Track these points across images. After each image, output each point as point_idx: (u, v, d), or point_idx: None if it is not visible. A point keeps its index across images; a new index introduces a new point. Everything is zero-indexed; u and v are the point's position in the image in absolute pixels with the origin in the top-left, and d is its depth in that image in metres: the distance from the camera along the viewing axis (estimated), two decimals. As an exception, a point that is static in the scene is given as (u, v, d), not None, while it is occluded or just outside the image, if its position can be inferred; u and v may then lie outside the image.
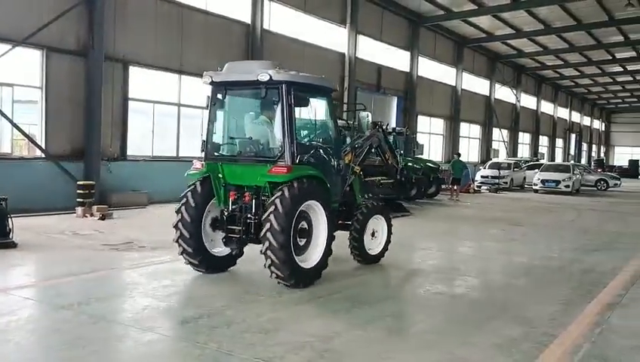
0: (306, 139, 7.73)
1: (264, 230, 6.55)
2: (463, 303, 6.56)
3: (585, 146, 59.63)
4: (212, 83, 7.50)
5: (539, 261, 9.44)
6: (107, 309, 5.86)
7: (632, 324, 5.82)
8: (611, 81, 46.49)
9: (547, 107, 48.02)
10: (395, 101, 27.53)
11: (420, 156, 22.14)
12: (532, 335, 5.36)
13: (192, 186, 7.39)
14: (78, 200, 12.81)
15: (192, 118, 17.91)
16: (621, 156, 64.28)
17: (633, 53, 36.03)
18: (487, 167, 29.53)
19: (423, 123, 30.24)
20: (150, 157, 16.31)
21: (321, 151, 7.53)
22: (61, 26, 13.62)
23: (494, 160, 32.24)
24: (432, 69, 30.32)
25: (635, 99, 57.90)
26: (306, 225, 7.03)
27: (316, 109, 7.77)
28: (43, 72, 13.54)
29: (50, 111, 13.71)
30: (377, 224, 8.46)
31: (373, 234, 8.38)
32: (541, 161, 36.28)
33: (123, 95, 15.29)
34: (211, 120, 7.59)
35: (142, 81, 15.81)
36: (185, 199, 7.35)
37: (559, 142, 52.13)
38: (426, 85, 29.51)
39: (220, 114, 7.65)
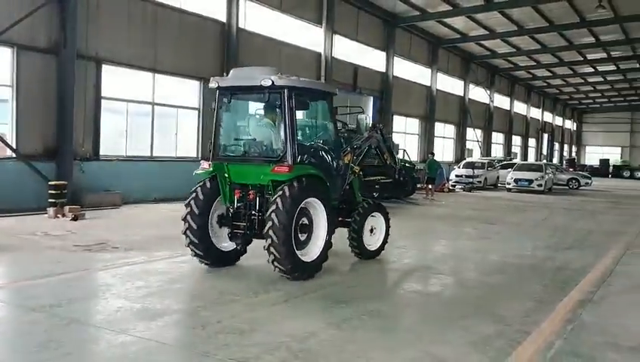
0: (306, 141, 8.26)
1: (267, 227, 6.92)
2: (438, 301, 6.62)
3: (557, 146, 60.69)
4: (218, 88, 7.84)
5: (512, 259, 9.57)
6: (80, 311, 5.77)
7: (602, 321, 5.93)
8: (582, 81, 47.36)
9: (520, 107, 48.71)
10: (371, 101, 27.61)
11: (396, 155, 22.21)
12: (506, 333, 5.43)
13: (201, 183, 7.82)
14: (49, 200, 12.59)
15: (166, 117, 17.75)
16: (592, 155, 65.52)
17: (604, 55, 36.76)
18: (461, 167, 29.83)
19: (399, 123, 30.43)
20: (124, 157, 16.10)
21: (321, 151, 8.11)
22: (32, 23, 13.37)
23: (468, 159, 32.58)
24: (407, 69, 30.51)
25: (606, 100, 59.13)
26: (306, 221, 7.41)
27: (317, 112, 8.59)
28: (13, 70, 13.28)
29: (21, 110, 13.44)
30: (375, 221, 8.86)
31: (371, 231, 8.79)
32: (514, 161, 36.77)
33: (96, 94, 15.07)
34: (218, 123, 7.95)
35: (115, 80, 15.60)
36: (194, 194, 7.77)
37: (532, 141, 52.92)
38: (401, 85, 29.69)
39: (225, 117, 8.05)
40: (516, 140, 48.92)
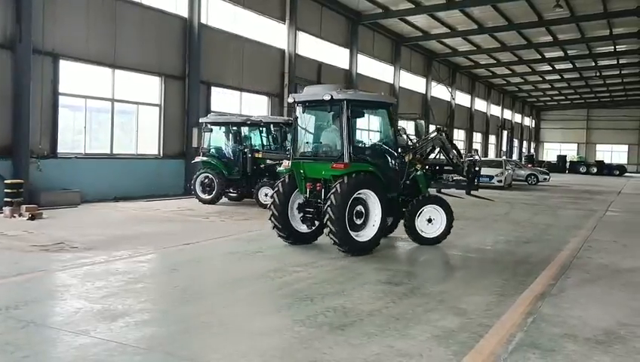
0: (364, 143, 10.27)
1: (325, 206, 8.76)
2: (402, 296, 6.66)
3: (516, 142, 61.98)
4: (295, 102, 9.75)
5: (474, 253, 9.73)
6: (37, 313, 5.61)
7: (562, 313, 6.07)
8: (541, 79, 48.51)
9: (480, 105, 49.58)
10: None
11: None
12: (468, 326, 5.51)
13: (283, 178, 9.69)
14: (5, 199, 12.23)
15: (127, 114, 17.43)
16: (550, 152, 67.24)
17: (561, 53, 37.71)
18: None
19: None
20: (83, 155, 15.73)
21: (378, 151, 9.93)
22: (-15, 16, 12.95)
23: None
24: (371, 67, 30.69)
25: (563, 97, 60.72)
26: (362, 209, 9.08)
27: (377, 120, 10.51)
28: (-35, 65, 12.85)
29: (-26, 106, 13.01)
30: (435, 212, 10.07)
31: (430, 221, 10.05)
32: (475, 157, 37.36)
33: (53, 90, 14.68)
34: (295, 130, 9.89)
35: (73, 76, 15.23)
36: (277, 188, 9.66)
37: (492, 138, 53.93)
38: (365, 82, 29.81)
39: (301, 125, 9.82)
40: (477, 137, 49.79)
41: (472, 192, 11.44)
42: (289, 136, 16.91)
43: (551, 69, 43.23)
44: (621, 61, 40.36)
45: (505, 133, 56.34)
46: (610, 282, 7.79)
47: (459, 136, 45.34)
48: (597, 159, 59.05)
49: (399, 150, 10.05)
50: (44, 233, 10.17)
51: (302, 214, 9.67)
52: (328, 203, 8.69)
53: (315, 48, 25.62)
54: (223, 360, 4.51)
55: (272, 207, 9.57)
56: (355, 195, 8.88)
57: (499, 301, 6.52)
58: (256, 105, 22.20)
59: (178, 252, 9.07)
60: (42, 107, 14.35)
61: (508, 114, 58.29)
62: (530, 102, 64.57)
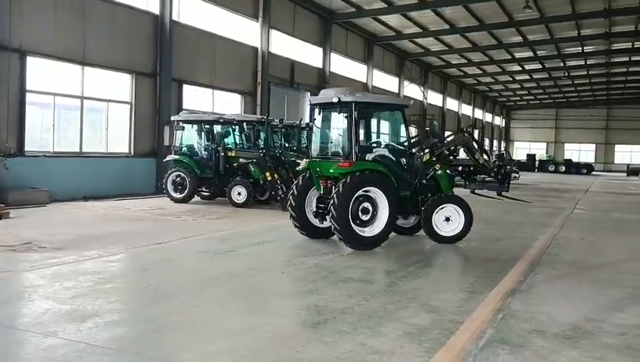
0: (376, 143, 10.58)
1: (329, 204, 9.20)
2: (374, 294, 6.69)
3: (487, 141, 62.79)
4: (311, 104, 10.59)
5: (446, 251, 9.82)
6: (4, 314, 5.49)
7: (531, 309, 6.16)
8: (511, 79, 49.26)
9: (452, 104, 50.11)
10: (308, 96, 27.67)
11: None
12: (440, 323, 5.56)
13: (301, 176, 10.30)
14: (-30, 199, 11.92)
15: (96, 112, 17.16)
16: (520, 150, 68.24)
17: (530, 53, 38.33)
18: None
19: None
20: (51, 153, 15.44)
21: (387, 151, 10.31)
22: (-52, 11, 12.60)
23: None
24: (344, 66, 30.76)
25: (532, 97, 61.77)
26: (369, 206, 9.43)
27: (391, 121, 11.04)
28: None
29: (-63, 103, 12.65)
30: (453, 212, 10.15)
31: (447, 220, 10.14)
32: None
33: (20, 87, 14.37)
34: (313, 130, 10.70)
35: (41, 73, 14.92)
36: (295, 185, 10.28)
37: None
38: (338, 81, 29.83)
39: (317, 126, 10.50)
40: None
41: (504, 193, 11.33)
42: (262, 135, 16.92)
43: (521, 69, 43.92)
44: (589, 62, 41.21)
45: (476, 132, 56.96)
46: (578, 278, 7.95)
47: (431, 135, 45.65)
48: (565, 158, 60.27)
49: (414, 150, 10.44)
50: (11, 233, 9.94)
51: (315, 210, 10.12)
52: (332, 200, 9.14)
53: (288, 47, 25.58)
54: (195, 360, 4.48)
55: (290, 200, 10.18)
56: (360, 193, 9.29)
57: (470, 298, 6.60)
58: (229, 104, 22.07)
59: (149, 251, 8.96)
60: (9, 104, 14.04)
61: (479, 113, 59.04)
62: (500, 101, 65.50)
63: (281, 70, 25.02)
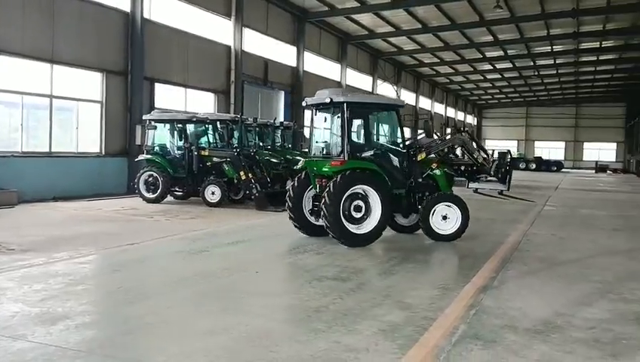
0: (370, 142, 10.64)
1: (321, 203, 9.40)
2: (349, 292, 6.71)
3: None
4: (307, 105, 10.53)
5: (419, 248, 9.91)
6: (-30, 319, 5.35)
7: (502, 305, 6.25)
8: (482, 78, 49.83)
9: (425, 103, 50.51)
10: (282, 95, 27.64)
11: (307, 150, 22.36)
12: (413, 320, 5.60)
13: (299, 175, 10.51)
14: None
15: (66, 111, 16.87)
16: (491, 149, 69.07)
17: (501, 53, 38.84)
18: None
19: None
20: (20, 153, 15.13)
21: (380, 150, 10.46)
22: None
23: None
24: (317, 64, 30.78)
25: (503, 96, 62.63)
26: (362, 203, 9.59)
27: (385, 121, 11.11)
28: None
29: None
30: (449, 210, 10.28)
31: (445, 218, 10.26)
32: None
33: (-14, 86, 14.04)
34: (311, 131, 10.73)
35: (9, 71, 14.60)
36: (293, 184, 10.56)
37: (436, 136, 54.88)
38: (312, 80, 29.87)
39: (314, 126, 10.67)
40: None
41: (505, 192, 11.45)
42: (236, 134, 16.83)
43: (492, 68, 44.47)
44: (558, 61, 41.92)
45: (448, 130, 57.54)
46: (548, 274, 8.09)
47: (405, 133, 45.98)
48: (536, 155, 61.24)
49: (409, 149, 10.56)
50: (-23, 235, 9.71)
51: (311, 207, 10.31)
52: (327, 189, 9.36)
53: (261, 45, 25.48)
54: (168, 361, 4.43)
55: (287, 199, 10.36)
56: (352, 191, 9.48)
57: (443, 294, 6.66)
58: (203, 103, 21.90)
59: (121, 252, 8.84)
60: (-26, 103, 13.72)
61: (451, 112, 59.64)
62: (472, 100, 66.26)
63: (255, 69, 24.92)
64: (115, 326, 5.24)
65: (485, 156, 11.37)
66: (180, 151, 16.02)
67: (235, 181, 15.35)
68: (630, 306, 6.34)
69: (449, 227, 10.29)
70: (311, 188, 10.33)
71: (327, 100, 9.83)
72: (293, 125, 22.29)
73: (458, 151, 11.52)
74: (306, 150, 22.29)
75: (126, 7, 17.94)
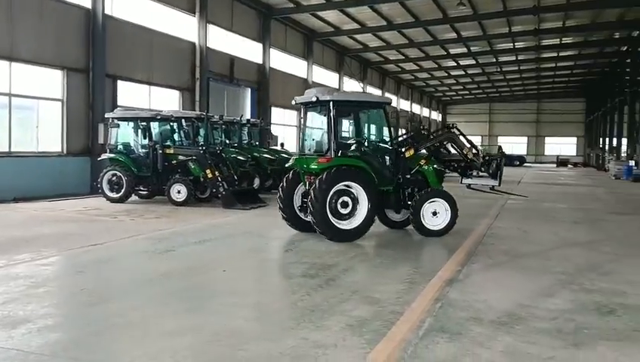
0: (357, 140, 10.80)
1: (308, 200, 9.69)
2: (317, 288, 6.72)
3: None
4: (296, 103, 10.78)
5: (386, 244, 9.99)
6: None
7: (468, 298, 6.35)
8: (446, 75, 50.46)
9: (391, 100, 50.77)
10: (249, 92, 27.48)
11: (275, 147, 22.36)
12: (381, 314, 5.64)
13: (289, 172, 10.63)
14: None
15: (26, 110, 16.44)
16: (456, 144, 70.05)
17: (464, 50, 39.35)
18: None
19: (278, 114, 30.53)
20: (-23, 153, 14.69)
21: (367, 147, 10.74)
22: None
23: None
24: (284, 61, 30.70)
25: (467, 92, 63.52)
26: (348, 200, 9.77)
27: (373, 118, 11.24)
28: None
29: None
30: (439, 206, 10.44)
31: (435, 214, 10.42)
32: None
33: (-60, 83, 13.57)
34: (301, 129, 10.95)
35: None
36: (283, 181, 10.66)
37: (402, 132, 55.46)
38: (279, 77, 29.81)
39: (304, 124, 10.87)
40: (388, 131, 50.95)
41: (496, 188, 11.65)
42: (201, 131, 16.66)
43: (455, 64, 45.04)
44: (519, 57, 42.68)
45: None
46: (512, 266, 8.25)
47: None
48: (499, 150, 62.17)
49: (397, 146, 10.72)
50: None
51: (300, 204, 10.47)
52: (313, 186, 9.60)
53: (227, 42, 25.28)
54: (134, 363, 4.37)
55: (278, 196, 10.61)
56: (338, 187, 9.67)
57: (409, 288, 6.73)
58: (167, 100, 21.61)
59: (84, 253, 8.66)
60: None
61: (417, 108, 60.21)
62: (437, 96, 67.04)
63: (221, 66, 24.71)
64: (78, 329, 5.14)
65: (475, 152, 11.53)
66: (144, 150, 15.78)
67: (202, 179, 15.21)
68: (591, 296, 6.51)
69: (439, 222, 10.45)
70: (301, 185, 10.46)
71: (314, 99, 10.04)
72: (260, 122, 22.21)
73: (451, 148, 11.67)
74: (274, 147, 22.42)
75: (87, 3, 17.57)
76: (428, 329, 5.24)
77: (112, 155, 15.68)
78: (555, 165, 57.62)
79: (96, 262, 8.17)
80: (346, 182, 9.76)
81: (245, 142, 20.18)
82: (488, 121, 70.82)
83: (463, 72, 49.10)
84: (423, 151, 11.02)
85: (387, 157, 10.68)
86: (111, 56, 18.33)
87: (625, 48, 38.81)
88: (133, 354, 4.52)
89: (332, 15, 29.84)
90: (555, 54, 41.87)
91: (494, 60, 43.34)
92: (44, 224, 11.36)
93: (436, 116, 70.46)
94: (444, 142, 11.53)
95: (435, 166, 10.95)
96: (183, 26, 22.29)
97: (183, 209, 14.36)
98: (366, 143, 10.97)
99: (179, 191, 14.97)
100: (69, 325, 5.30)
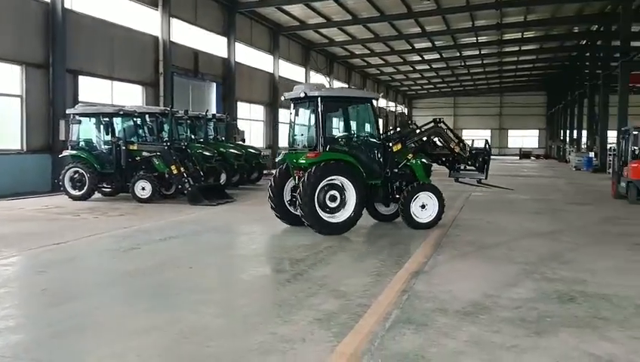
0: (346, 134, 11.12)
1: (297, 193, 9.84)
2: (285, 283, 6.72)
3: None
4: (285, 99, 11.03)
5: (353, 237, 10.03)
6: None
7: (433, 289, 6.43)
8: (411, 69, 50.89)
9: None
10: (214, 87, 27.22)
11: (241, 143, 22.23)
12: (348, 307, 5.67)
13: (280, 167, 10.85)
14: None
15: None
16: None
17: (429, 44, 39.74)
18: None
19: (243, 109, 30.33)
20: None
21: (355, 142, 10.96)
22: None
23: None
24: (249, 56, 30.50)
25: (432, 86, 64.23)
26: (337, 193, 9.97)
27: (360, 113, 11.24)
28: None
29: None
30: (428, 199, 10.66)
31: (423, 207, 10.63)
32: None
33: None
34: (290, 124, 11.17)
35: None
36: (274, 175, 10.91)
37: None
38: (244, 71, 29.60)
39: (293, 120, 11.03)
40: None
41: (483, 181, 11.89)
42: (166, 127, 16.44)
43: (420, 59, 45.47)
44: (483, 51, 43.36)
45: (380, 121, 58.52)
46: (477, 257, 8.39)
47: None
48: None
49: (385, 141, 10.88)
50: None
51: (290, 198, 10.65)
52: (302, 180, 9.79)
53: (191, 36, 24.98)
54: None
55: (269, 191, 10.81)
56: (326, 181, 9.87)
57: (376, 281, 6.78)
58: (130, 95, 21.24)
59: (46, 252, 8.46)
60: None
61: (382, 102, 60.57)
62: (402, 91, 67.58)
63: (185, 60, 24.39)
64: (40, 329, 5.02)
65: (462, 146, 11.75)
66: (107, 146, 15.49)
67: (167, 175, 15.02)
68: (553, 285, 6.67)
69: (427, 215, 10.68)
70: (291, 180, 10.61)
71: (302, 95, 10.23)
72: (226, 117, 22.02)
73: (438, 143, 11.90)
74: (240, 142, 22.28)
75: (45, -4, 17.13)
76: (394, 320, 5.29)
77: (73, 152, 15.36)
78: (518, 157, 58.75)
79: (59, 261, 7.99)
80: (334, 176, 9.96)
81: (211, 137, 20.00)
82: (453, 115, 71.63)
83: (427, 67, 49.59)
84: (410, 145, 11.20)
85: (375, 152, 10.86)
86: (71, 51, 17.92)
87: (584, 42, 39.75)
88: (99, 354, 4.45)
89: (297, 9, 29.75)
90: (517, 48, 42.63)
91: (458, 55, 43.91)
92: (3, 223, 11.06)
93: (402, 110, 71.04)
94: (432, 137, 11.73)
95: (422, 160, 11.18)
96: (146, 19, 21.92)
97: (148, 206, 14.16)
98: (354, 138, 11.17)
99: (143, 188, 14.75)
100: (30, 326, 5.18)
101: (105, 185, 15.76)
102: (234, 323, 5.25)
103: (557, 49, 43.36)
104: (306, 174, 9.77)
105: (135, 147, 15.33)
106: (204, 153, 17.32)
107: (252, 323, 5.22)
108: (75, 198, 14.98)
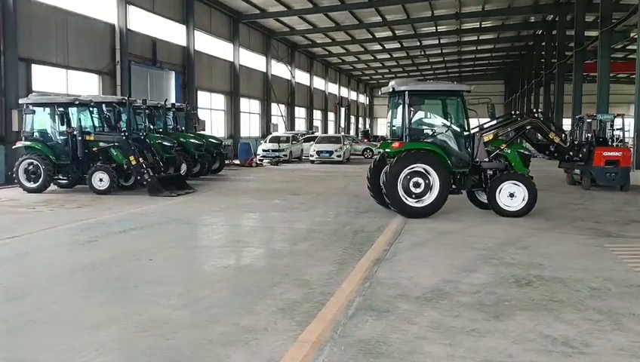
0: (433, 125, 11.64)
1: (382, 181, 10.95)
2: (248, 274, 6.69)
3: (353, 119, 64.91)
4: (381, 94, 12.17)
5: (316, 226, 10.05)
6: None
7: (395, 276, 6.50)
8: (372, 58, 51.07)
9: (319, 83, 51.03)
10: (173, 76, 26.75)
11: (202, 132, 21.93)
12: (311, 296, 5.69)
13: (377, 155, 12.17)
14: None
15: None
16: (383, 127, 71.29)
17: (389, 33, 39.91)
18: (267, 141, 30.49)
19: (204, 99, 29.93)
20: None
21: (442, 133, 11.30)
22: None
23: (274, 134, 33.36)
24: (209, 44, 30.08)
25: (393, 75, 64.43)
26: (421, 180, 10.68)
27: (449, 106, 11.53)
28: None
29: None
30: (516, 189, 10.96)
31: (511, 196, 10.96)
32: (316, 134, 38.51)
33: None
34: (390, 116, 12.21)
35: None
36: (372, 162, 12.05)
37: (331, 115, 55.93)
38: (204, 60, 29.20)
39: (390, 112, 12.17)
40: (317, 114, 51.29)
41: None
42: (123, 117, 16.08)
43: (381, 48, 45.65)
44: (442, 41, 43.78)
45: (342, 110, 58.73)
46: (437, 243, 8.52)
47: (300, 113, 46.38)
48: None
49: (472, 131, 11.35)
50: None
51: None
52: (386, 168, 10.79)
53: (149, 23, 24.46)
54: (55, 359, 4.19)
55: (367, 178, 11.92)
56: (410, 169, 10.62)
57: (339, 269, 6.81)
58: (86, 85, 20.69)
59: (0, 246, 8.21)
60: None
61: (344, 91, 60.73)
62: (364, 80, 67.83)
63: (143, 48, 23.89)
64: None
65: (563, 137, 12.10)
66: (62, 137, 15.07)
67: (125, 166, 14.73)
68: (511, 270, 6.83)
69: (515, 204, 10.97)
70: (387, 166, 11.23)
71: (390, 90, 11.26)
72: (186, 107, 21.70)
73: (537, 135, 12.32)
74: (201, 132, 21.99)
75: (-6, -19, 16.48)
76: (357, 308, 5.33)
77: (27, 143, 14.90)
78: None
79: (13, 255, 7.76)
80: (417, 165, 10.64)
81: (170, 127, 19.69)
82: (414, 104, 72.34)
83: (388, 56, 49.83)
84: (500, 136, 11.65)
85: (462, 141, 11.26)
86: (24, 39, 17.33)
87: (540, 32, 40.57)
88: (56, 349, 4.34)
89: (257, -3, 29.44)
90: (475, 38, 43.22)
91: (418, 44, 44.22)
92: (-47, 218, 10.66)
93: (364, 99, 71.37)
94: (527, 128, 11.90)
95: (519, 150, 11.53)
96: (101, 6, 21.35)
97: (106, 197, 13.86)
98: (441, 128, 11.48)
99: (101, 180, 14.43)
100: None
101: (61, 177, 15.35)
102: (195, 314, 5.19)
103: (514, 38, 44.14)
104: (391, 162, 10.70)
105: (92, 137, 14.96)
106: (164, 143, 17.05)
107: (214, 314, 5.18)
108: (29, 191, 14.56)
